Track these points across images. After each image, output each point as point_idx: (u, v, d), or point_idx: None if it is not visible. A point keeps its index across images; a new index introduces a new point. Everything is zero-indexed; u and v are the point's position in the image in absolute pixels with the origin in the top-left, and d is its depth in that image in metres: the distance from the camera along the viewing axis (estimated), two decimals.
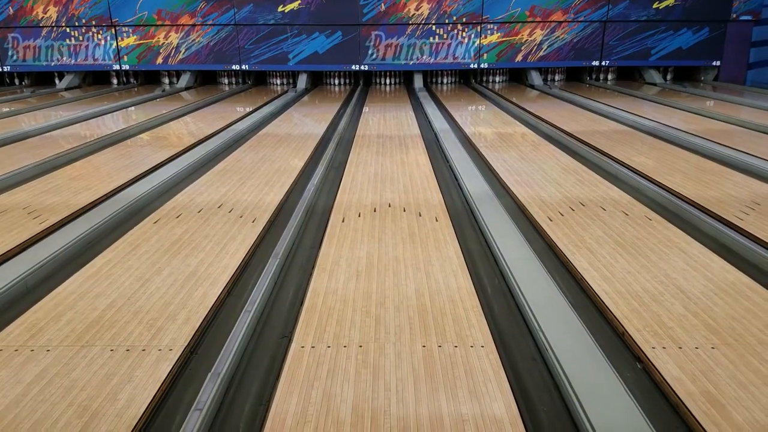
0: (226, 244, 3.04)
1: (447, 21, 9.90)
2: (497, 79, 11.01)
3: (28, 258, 2.84)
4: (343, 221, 3.42)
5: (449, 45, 10.14)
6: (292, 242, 3.16)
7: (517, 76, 11.04)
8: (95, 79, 10.81)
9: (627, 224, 3.30)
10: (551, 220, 3.37)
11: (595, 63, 10.20)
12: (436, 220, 3.42)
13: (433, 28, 9.95)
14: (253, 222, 3.38)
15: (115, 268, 2.76)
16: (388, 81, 11.07)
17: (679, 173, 4.33)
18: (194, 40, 10.03)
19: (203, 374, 1.94)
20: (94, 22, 9.89)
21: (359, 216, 3.51)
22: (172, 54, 10.14)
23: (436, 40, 10.05)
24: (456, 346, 2.12)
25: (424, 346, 2.12)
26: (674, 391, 1.81)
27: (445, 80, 11.04)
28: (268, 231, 3.33)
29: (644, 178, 4.22)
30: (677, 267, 2.72)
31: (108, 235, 3.25)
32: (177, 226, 3.32)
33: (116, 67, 10.24)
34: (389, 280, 2.64)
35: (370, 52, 10.09)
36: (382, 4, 9.75)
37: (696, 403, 1.75)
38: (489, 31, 10.00)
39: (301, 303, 2.44)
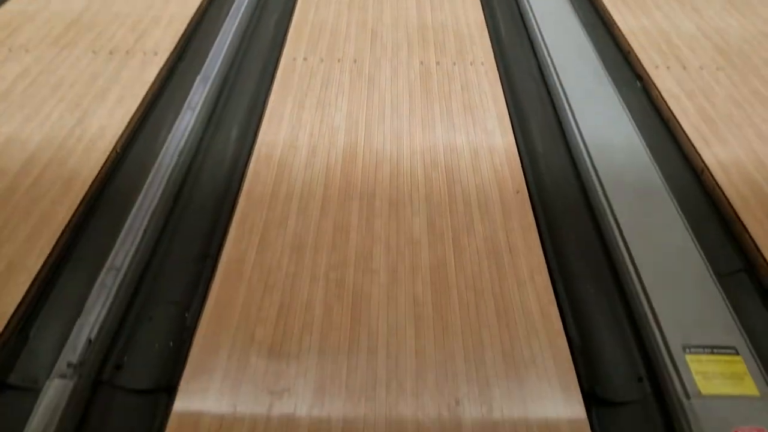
0: None
1: None
2: None
3: None
4: None
5: None
6: None
7: None
8: None
9: None
10: None
11: None
12: None
13: None
14: None
15: None
16: None
17: None
18: None
19: (192, 78, 1.90)
20: None
21: None
22: None
23: None
24: (455, 63, 2.04)
25: (421, 63, 2.04)
26: (669, 107, 1.80)
27: None
28: None
29: None
30: None
31: None
32: None
33: None
34: None
35: None
36: None
37: (688, 118, 1.75)
38: None
39: (291, 14, 2.28)
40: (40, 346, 1.16)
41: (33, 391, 1.06)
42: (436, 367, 1.12)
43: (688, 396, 1.04)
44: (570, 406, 1.06)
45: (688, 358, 1.11)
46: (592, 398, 1.10)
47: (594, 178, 1.55)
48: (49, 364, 1.10)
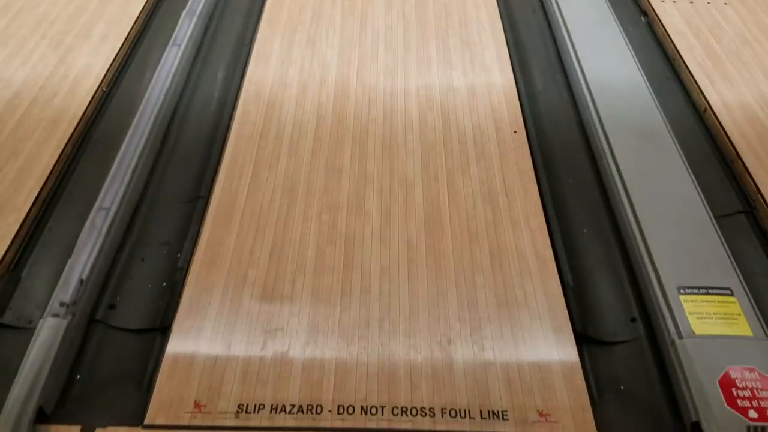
0: None
1: None
2: None
3: None
4: None
5: None
6: None
7: None
8: None
9: None
10: None
11: None
12: None
13: None
14: None
15: None
16: None
17: None
18: None
19: (178, 12, 1.82)
20: None
21: None
22: None
23: None
24: None
25: None
26: (674, 45, 1.74)
27: None
28: None
29: None
30: None
31: None
32: None
33: None
34: None
35: None
36: None
37: (693, 56, 1.69)
38: None
39: None
40: (32, 285, 1.15)
41: (27, 330, 1.06)
42: (429, 308, 1.11)
43: (680, 336, 1.04)
44: (562, 347, 1.06)
45: (683, 298, 1.11)
46: (584, 338, 1.10)
47: (594, 117, 1.51)
48: (42, 303, 1.10)
